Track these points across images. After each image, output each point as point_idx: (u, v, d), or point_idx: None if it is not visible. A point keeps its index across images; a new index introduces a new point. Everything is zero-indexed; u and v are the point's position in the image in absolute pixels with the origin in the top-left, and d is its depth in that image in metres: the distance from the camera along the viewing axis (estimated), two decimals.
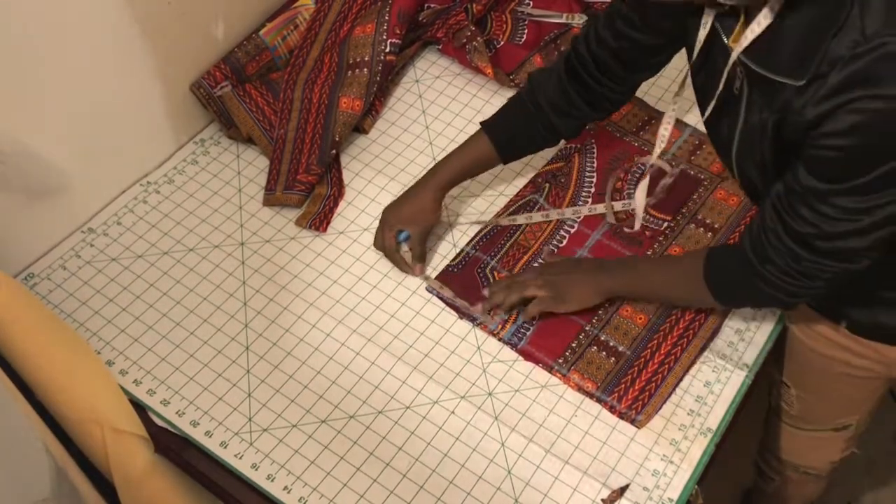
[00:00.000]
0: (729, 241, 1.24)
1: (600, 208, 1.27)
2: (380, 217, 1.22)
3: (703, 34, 0.92)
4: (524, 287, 1.15)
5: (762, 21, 0.82)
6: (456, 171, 1.21)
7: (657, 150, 1.15)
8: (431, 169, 1.22)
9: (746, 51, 0.85)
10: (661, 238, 1.25)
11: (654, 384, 1.11)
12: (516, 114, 1.20)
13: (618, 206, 1.27)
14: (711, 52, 0.95)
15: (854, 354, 1.12)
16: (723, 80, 0.91)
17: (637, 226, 1.25)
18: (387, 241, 1.19)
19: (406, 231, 1.19)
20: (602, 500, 1.03)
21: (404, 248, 1.20)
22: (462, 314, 1.18)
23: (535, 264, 1.22)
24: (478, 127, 1.39)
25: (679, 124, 1.37)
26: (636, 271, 1.14)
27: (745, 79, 0.90)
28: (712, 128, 1.02)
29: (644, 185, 1.24)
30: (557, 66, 1.16)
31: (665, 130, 1.14)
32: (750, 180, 0.99)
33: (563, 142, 1.36)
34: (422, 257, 1.21)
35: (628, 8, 1.05)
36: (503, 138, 1.20)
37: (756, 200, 1.07)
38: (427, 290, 1.20)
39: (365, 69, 1.36)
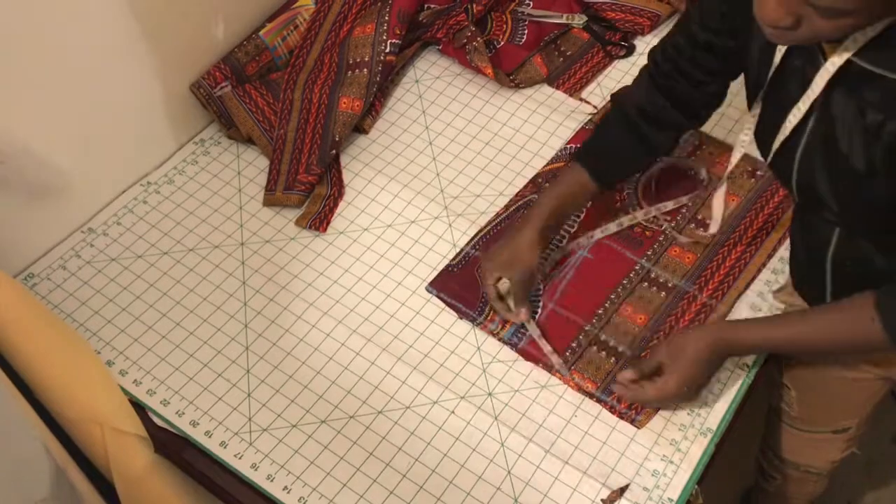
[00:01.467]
0: (729, 240, 1.24)
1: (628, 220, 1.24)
2: (481, 268, 1.16)
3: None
4: (666, 398, 1.06)
5: (877, 25, 0.79)
6: (550, 209, 1.14)
7: (729, 167, 1.13)
8: (526, 211, 1.17)
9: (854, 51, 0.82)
10: (660, 238, 1.25)
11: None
12: (607, 134, 1.16)
13: (640, 215, 1.25)
14: (789, 55, 0.92)
15: (852, 358, 1.12)
16: (815, 83, 0.87)
17: (714, 229, 1.23)
18: (488, 290, 1.14)
19: (506, 280, 1.13)
20: (602, 500, 1.03)
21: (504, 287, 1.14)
22: (462, 314, 1.18)
23: (654, 343, 1.14)
24: (478, 127, 1.40)
25: None
26: (782, 322, 1.06)
27: (834, 81, 0.87)
28: (767, 135, 0.99)
29: (721, 192, 1.21)
30: (641, 79, 1.14)
31: (737, 154, 1.12)
32: (811, 187, 0.94)
33: (563, 142, 1.36)
34: (523, 302, 1.14)
35: (701, 15, 1.02)
36: (597, 163, 1.14)
37: (811, 209, 1.00)
38: (427, 290, 1.20)
39: (365, 69, 1.36)
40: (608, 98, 1.43)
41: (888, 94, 0.83)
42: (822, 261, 1.03)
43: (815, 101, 0.89)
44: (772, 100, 0.98)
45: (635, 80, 1.16)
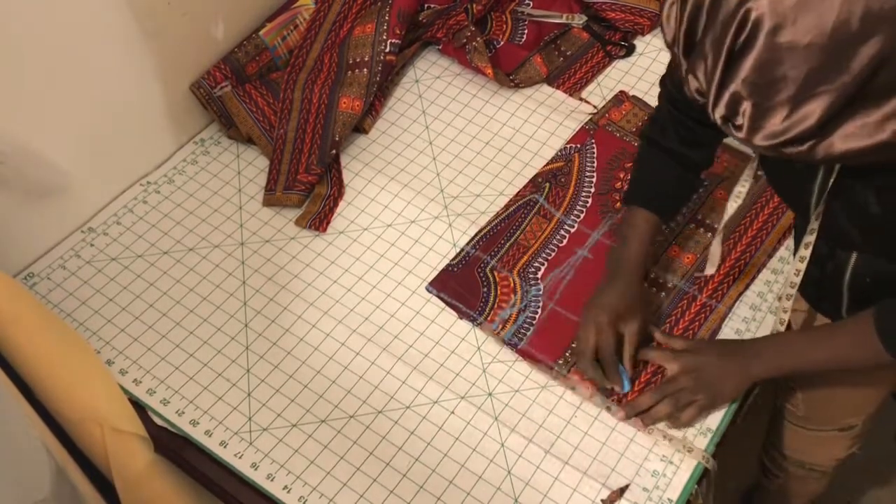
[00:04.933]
0: (729, 240, 1.24)
1: None
2: (587, 318, 1.10)
3: None
4: (678, 399, 1.06)
5: None
6: (642, 256, 1.12)
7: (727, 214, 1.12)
8: (615, 263, 1.12)
9: None
10: (660, 238, 1.25)
11: (654, 384, 1.11)
12: (652, 172, 1.15)
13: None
14: None
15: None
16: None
17: (710, 271, 1.21)
18: (607, 341, 1.08)
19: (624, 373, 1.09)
20: (602, 500, 1.03)
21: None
22: (462, 314, 1.18)
23: (662, 349, 1.11)
24: (478, 127, 1.40)
25: None
26: (791, 351, 1.05)
27: None
28: (775, 180, 0.98)
29: (718, 241, 1.19)
30: (661, 106, 1.13)
31: (742, 188, 1.11)
32: (833, 223, 0.93)
33: (563, 142, 1.36)
34: (631, 361, 1.10)
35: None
36: (657, 201, 1.13)
37: (830, 239, 0.98)
38: (427, 289, 1.20)
39: (365, 69, 1.36)
40: (608, 98, 1.43)
41: None
42: (839, 278, 1.01)
43: None
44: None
45: (657, 109, 1.14)
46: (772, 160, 0.95)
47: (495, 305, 1.18)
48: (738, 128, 0.70)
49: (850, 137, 0.66)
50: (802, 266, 0.99)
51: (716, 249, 1.20)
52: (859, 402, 1.24)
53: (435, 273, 1.22)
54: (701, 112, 0.84)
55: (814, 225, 0.94)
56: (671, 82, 1.10)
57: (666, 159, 1.13)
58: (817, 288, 1.08)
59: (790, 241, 1.23)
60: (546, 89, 1.45)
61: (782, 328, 1.08)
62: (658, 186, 1.14)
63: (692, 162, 1.13)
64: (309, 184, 1.29)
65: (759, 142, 0.69)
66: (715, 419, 1.08)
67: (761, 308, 1.18)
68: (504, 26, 1.52)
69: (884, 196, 0.84)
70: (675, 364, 1.08)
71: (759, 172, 1.30)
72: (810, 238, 0.96)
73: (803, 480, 1.44)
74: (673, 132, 1.11)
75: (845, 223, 0.92)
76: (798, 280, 1.02)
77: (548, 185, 1.31)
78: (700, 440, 1.07)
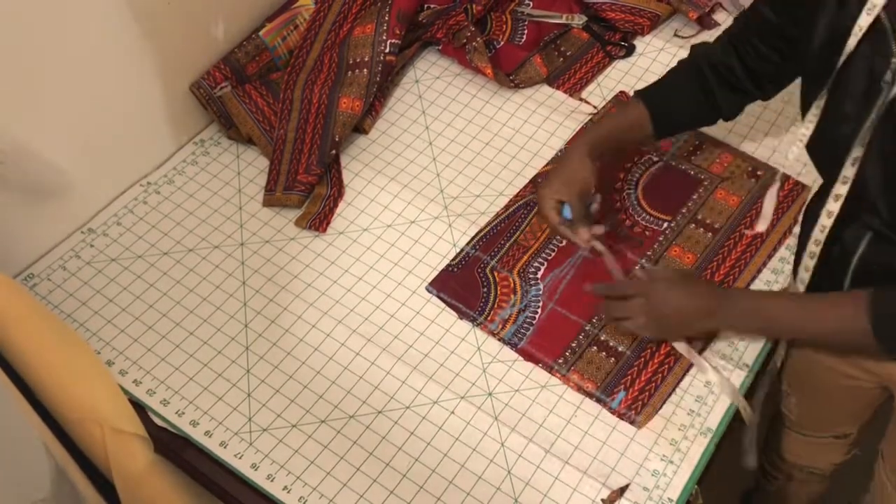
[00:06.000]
0: (729, 240, 1.24)
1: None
2: (538, 198, 1.17)
3: (867, 19, 0.88)
4: (626, 315, 1.09)
5: None
6: (603, 134, 1.16)
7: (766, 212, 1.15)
8: (578, 135, 1.16)
9: None
10: (660, 238, 1.25)
11: (653, 384, 1.11)
12: (675, 80, 1.16)
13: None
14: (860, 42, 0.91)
15: (857, 367, 1.12)
16: (892, 70, 0.86)
17: (762, 227, 1.23)
18: (550, 219, 1.14)
19: (567, 205, 1.13)
20: (602, 500, 1.03)
21: (566, 215, 1.14)
22: (462, 314, 1.18)
23: (641, 273, 1.14)
24: (478, 127, 1.40)
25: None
26: (770, 306, 1.05)
27: None
28: (820, 129, 0.98)
29: (774, 190, 1.21)
30: (721, 38, 1.14)
31: (795, 149, 1.10)
32: (865, 184, 0.93)
33: (563, 142, 1.36)
34: (585, 221, 1.14)
35: None
36: (659, 105, 1.15)
37: (854, 214, 0.97)
38: (427, 289, 1.20)
39: (365, 69, 1.36)
40: (608, 98, 1.43)
41: None
42: (844, 267, 1.01)
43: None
44: (837, 94, 0.96)
45: (717, 38, 1.15)
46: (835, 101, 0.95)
47: (495, 305, 1.18)
48: None
49: None
50: (829, 222, 0.98)
51: (770, 203, 1.21)
52: (851, 411, 1.25)
53: (435, 273, 1.22)
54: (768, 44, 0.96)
55: (858, 153, 0.92)
56: (746, 15, 1.09)
57: (694, 82, 1.14)
58: (819, 273, 1.07)
59: (790, 241, 1.23)
60: (546, 89, 1.45)
61: (801, 288, 1.06)
62: (671, 97, 1.16)
63: (715, 100, 1.14)
64: (309, 184, 1.29)
65: None
66: (715, 419, 1.08)
67: None
68: (504, 26, 1.52)
69: None
70: (635, 285, 1.10)
71: (760, 172, 1.31)
72: (842, 189, 0.95)
73: (802, 482, 1.44)
74: (714, 65, 1.12)
75: (876, 190, 0.91)
76: (823, 237, 1.00)
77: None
78: (700, 440, 1.07)
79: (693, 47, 1.16)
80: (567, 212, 1.13)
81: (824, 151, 1.00)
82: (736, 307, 1.05)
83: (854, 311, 0.95)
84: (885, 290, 0.94)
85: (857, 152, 0.92)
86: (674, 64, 1.20)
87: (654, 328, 1.09)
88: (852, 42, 0.91)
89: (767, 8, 1.05)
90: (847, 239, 0.99)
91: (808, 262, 1.04)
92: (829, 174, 0.98)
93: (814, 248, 1.02)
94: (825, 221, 0.99)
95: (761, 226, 1.24)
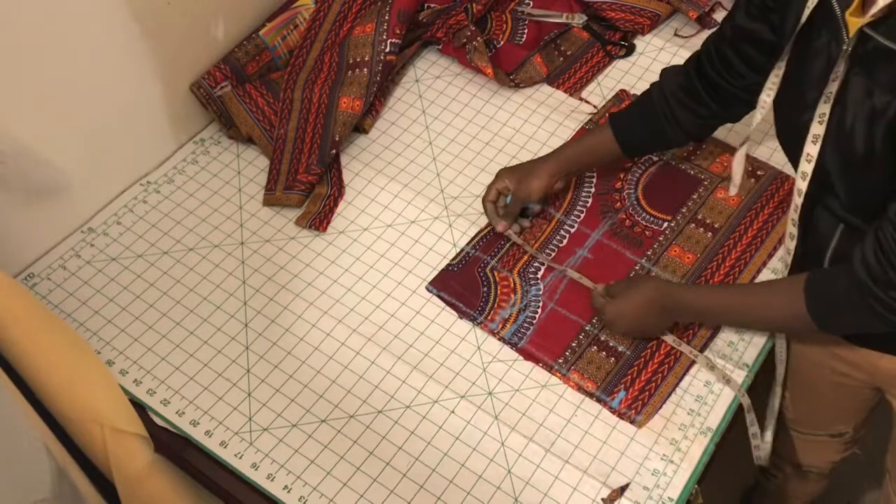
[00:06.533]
0: (729, 240, 1.24)
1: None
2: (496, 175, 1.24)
3: (812, 2, 0.90)
4: (605, 322, 1.15)
5: None
6: (573, 156, 1.22)
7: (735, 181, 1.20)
8: (556, 149, 1.24)
9: (871, 24, 0.82)
10: (660, 238, 1.25)
11: (654, 384, 1.11)
12: (642, 105, 1.20)
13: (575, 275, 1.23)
14: (811, 30, 0.93)
15: (842, 362, 1.12)
16: (843, 56, 0.87)
17: (733, 191, 1.28)
18: (489, 191, 1.22)
19: (510, 196, 1.22)
20: (602, 499, 1.03)
21: (502, 202, 1.24)
22: (462, 314, 1.18)
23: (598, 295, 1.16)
24: (478, 127, 1.40)
25: None
26: (720, 303, 1.10)
27: (849, 58, 0.87)
28: (785, 117, 1.00)
29: (742, 151, 1.23)
30: (689, 59, 1.15)
31: (738, 165, 1.19)
32: (825, 167, 0.95)
33: (563, 142, 1.36)
34: (510, 218, 1.23)
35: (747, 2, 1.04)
36: (625, 129, 1.19)
37: (820, 197, 1.00)
38: (427, 289, 1.20)
39: (365, 69, 1.36)
40: (608, 98, 1.43)
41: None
42: (820, 258, 1.03)
43: (848, 85, 0.89)
44: (794, 78, 0.99)
45: (687, 60, 1.16)
46: (793, 84, 0.98)
47: (495, 305, 1.18)
48: None
49: None
50: (800, 201, 1.00)
51: (738, 166, 1.24)
52: (845, 410, 1.25)
53: (435, 273, 1.22)
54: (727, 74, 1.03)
55: (818, 130, 0.94)
56: (717, 32, 1.11)
57: (658, 108, 1.17)
58: (801, 267, 1.08)
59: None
60: (546, 89, 1.45)
61: (789, 254, 1.09)
62: (634, 126, 1.20)
63: (678, 121, 1.16)
64: (309, 183, 1.29)
65: None
66: (715, 419, 1.08)
67: None
68: (504, 26, 1.52)
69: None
70: (598, 304, 1.15)
71: (760, 172, 1.31)
72: (808, 167, 0.97)
73: (801, 481, 1.44)
74: (679, 87, 1.15)
75: (834, 169, 0.93)
76: (797, 216, 1.03)
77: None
78: (700, 440, 1.07)
79: (662, 70, 1.19)
80: (509, 199, 1.23)
81: (787, 132, 1.02)
82: (682, 299, 1.10)
83: (791, 293, 0.99)
84: (821, 271, 0.99)
85: (816, 129, 0.93)
86: (674, 63, 1.20)
87: (629, 335, 1.15)
88: (806, 13, 0.93)
89: (744, 14, 1.05)
90: (821, 230, 1.02)
91: (790, 244, 1.06)
92: (794, 154, 1.00)
93: (791, 228, 1.04)
94: (797, 200, 1.01)
95: (732, 190, 1.28)
